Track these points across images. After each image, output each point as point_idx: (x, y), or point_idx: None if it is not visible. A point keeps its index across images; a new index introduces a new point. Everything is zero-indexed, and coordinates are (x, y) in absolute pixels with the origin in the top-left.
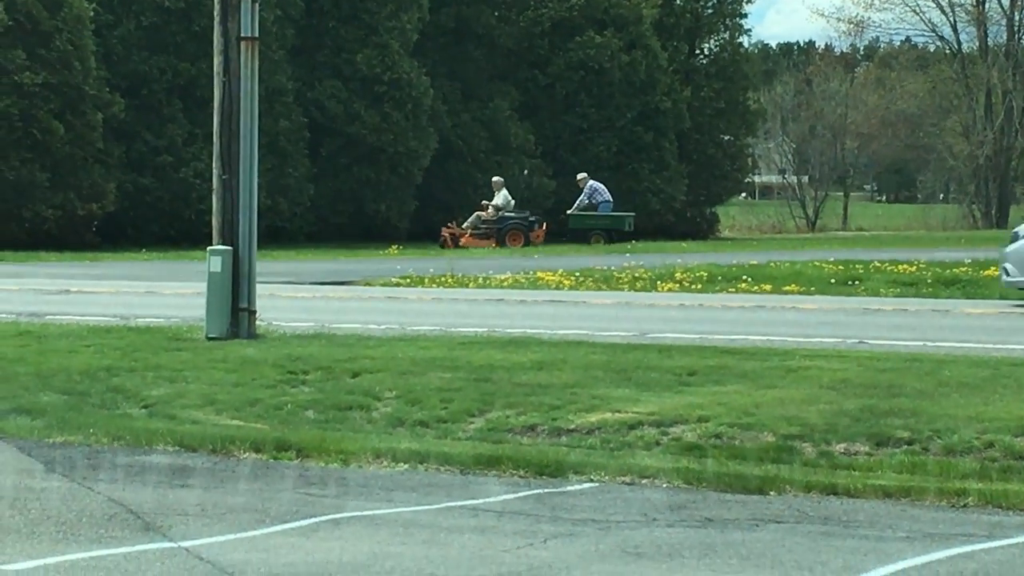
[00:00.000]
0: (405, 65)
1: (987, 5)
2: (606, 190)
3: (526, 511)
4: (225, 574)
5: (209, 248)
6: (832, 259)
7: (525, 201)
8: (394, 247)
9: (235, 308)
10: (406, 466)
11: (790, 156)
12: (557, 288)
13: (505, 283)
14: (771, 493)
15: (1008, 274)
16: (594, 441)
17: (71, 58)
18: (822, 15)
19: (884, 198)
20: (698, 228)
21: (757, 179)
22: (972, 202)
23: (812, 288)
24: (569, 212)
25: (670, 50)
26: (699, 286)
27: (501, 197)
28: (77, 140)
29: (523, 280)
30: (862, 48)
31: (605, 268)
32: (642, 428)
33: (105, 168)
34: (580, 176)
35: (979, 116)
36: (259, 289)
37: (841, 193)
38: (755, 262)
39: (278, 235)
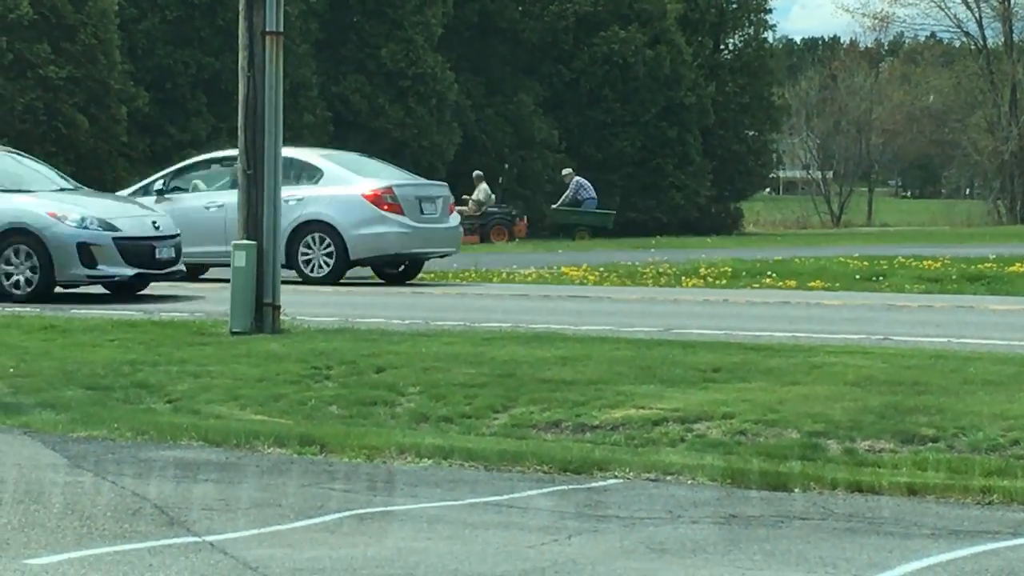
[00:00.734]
0: (429, 60)
1: (1012, 0)
2: (591, 187)
3: (550, 507)
4: (249, 569)
5: (233, 243)
6: (857, 255)
7: (551, 197)
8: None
9: (259, 303)
10: (430, 462)
11: (814, 151)
12: (581, 283)
13: (529, 278)
14: (796, 490)
15: None
16: (618, 437)
17: (96, 52)
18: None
19: (909, 194)
20: (722, 223)
21: (781, 174)
22: (997, 198)
23: (837, 284)
24: (554, 207)
25: (695, 45)
26: (724, 282)
27: (482, 192)
28: (102, 134)
29: (547, 275)
30: (887, 43)
31: (629, 263)
32: (667, 424)
33: (129, 162)
34: (565, 172)
35: (1004, 112)
36: (283, 284)
37: (865, 188)
38: (780, 258)
39: None
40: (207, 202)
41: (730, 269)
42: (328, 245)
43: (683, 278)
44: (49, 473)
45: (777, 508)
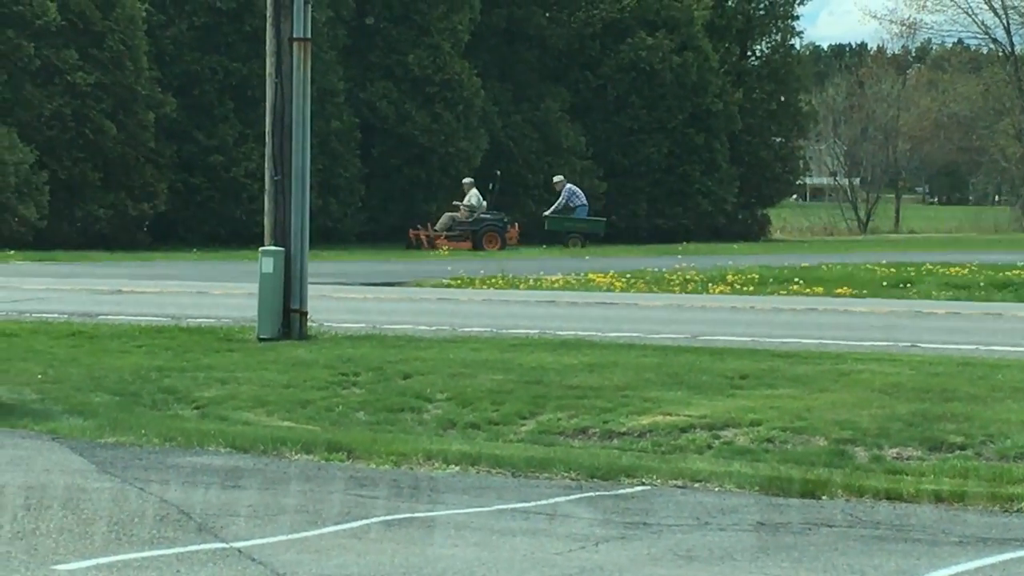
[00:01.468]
0: (456, 66)
1: None
2: (583, 194)
3: (578, 514)
4: (277, 575)
5: (261, 249)
6: (884, 261)
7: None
8: (444, 248)
9: (287, 309)
10: (457, 468)
11: (841, 158)
12: (608, 290)
13: (556, 284)
14: (823, 497)
15: None
16: (646, 444)
17: (123, 58)
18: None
19: (936, 200)
20: (749, 230)
21: (809, 181)
22: None
23: (864, 291)
24: (546, 214)
25: (721, 52)
26: (751, 288)
27: (473, 198)
28: (129, 140)
29: (574, 282)
30: (914, 50)
31: (656, 270)
32: (694, 431)
33: (157, 168)
34: (557, 179)
35: None
36: (310, 290)
37: (893, 195)
38: (807, 264)
39: (329, 235)
40: None
41: (757, 276)
42: None
43: (710, 285)
44: (77, 479)
45: (805, 515)
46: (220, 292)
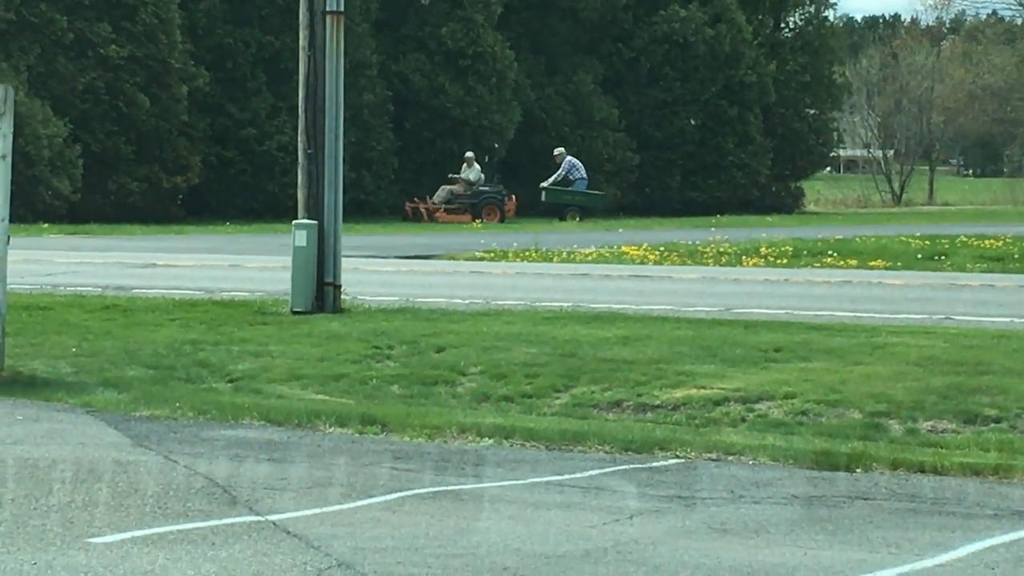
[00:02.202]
0: (489, 38)
1: None
2: (583, 167)
3: (612, 487)
4: (312, 548)
5: (295, 222)
6: (918, 234)
7: (611, 176)
8: (478, 221)
9: (320, 282)
10: (491, 441)
11: (875, 130)
12: (642, 263)
13: (589, 257)
14: (858, 470)
15: None
16: (679, 417)
17: (157, 31)
18: None
19: (970, 172)
20: (783, 202)
21: (842, 153)
22: None
23: (898, 263)
24: (543, 186)
25: (755, 23)
26: (784, 261)
27: (474, 172)
28: (162, 113)
29: (607, 255)
30: (948, 21)
31: (690, 243)
32: (728, 404)
33: (190, 141)
34: (557, 151)
35: None
36: (343, 263)
37: (927, 167)
38: (840, 237)
39: (362, 208)
40: None
41: (791, 248)
42: None
43: (744, 257)
44: (112, 452)
45: (839, 489)
46: (254, 265)
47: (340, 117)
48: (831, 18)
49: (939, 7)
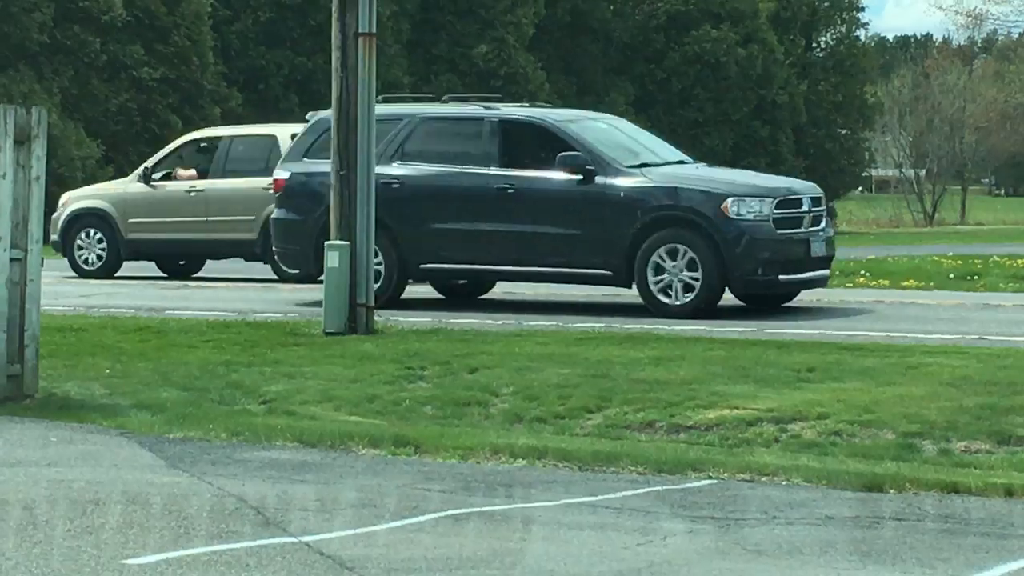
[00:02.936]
0: (521, 59)
1: None
2: None
3: (645, 508)
4: (346, 569)
5: (327, 243)
6: (951, 254)
7: None
8: None
9: (353, 303)
10: (524, 462)
11: (907, 150)
12: None
13: None
14: (891, 491)
15: None
16: (712, 438)
17: (189, 53)
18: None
19: (1002, 192)
20: None
21: (874, 173)
22: None
23: (931, 283)
24: None
25: (786, 44)
26: None
27: None
28: None
29: None
30: (980, 41)
31: None
32: (761, 425)
33: None
34: None
35: None
36: None
37: (959, 187)
38: (873, 257)
39: None
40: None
41: None
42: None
43: None
44: (147, 474)
45: (873, 509)
46: (286, 287)
47: (372, 138)
48: (863, 38)
49: (971, 26)
